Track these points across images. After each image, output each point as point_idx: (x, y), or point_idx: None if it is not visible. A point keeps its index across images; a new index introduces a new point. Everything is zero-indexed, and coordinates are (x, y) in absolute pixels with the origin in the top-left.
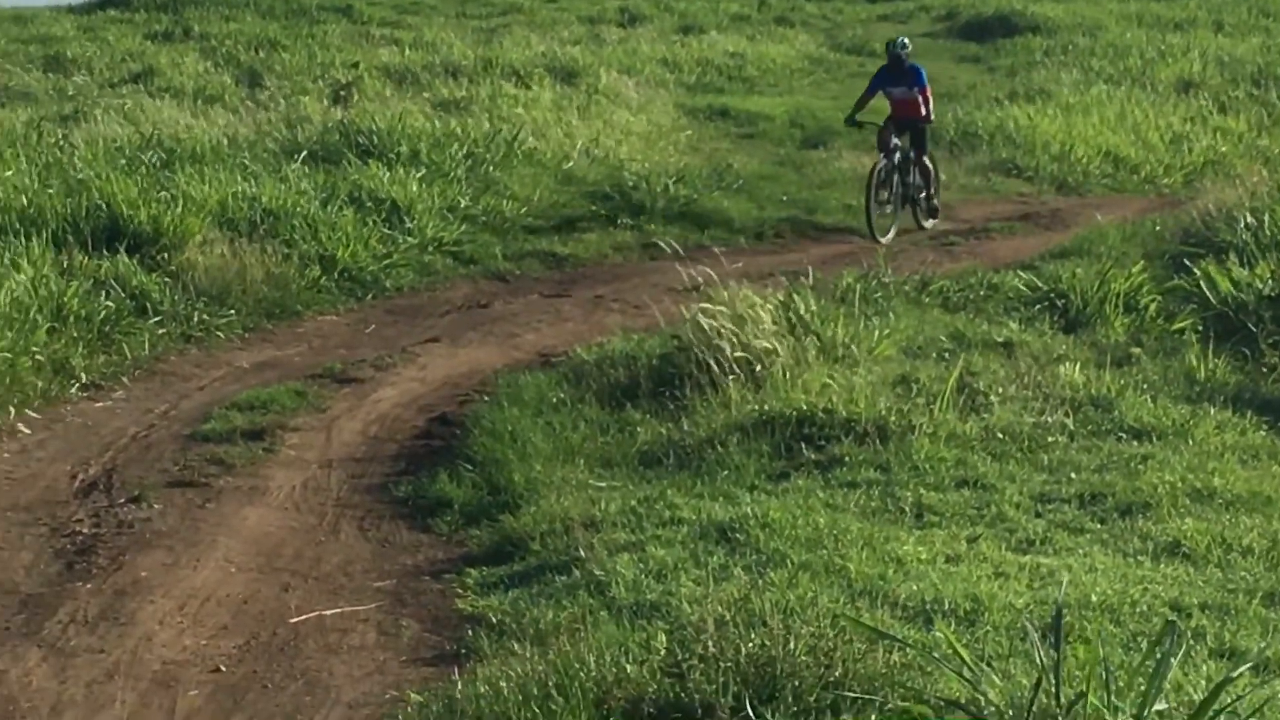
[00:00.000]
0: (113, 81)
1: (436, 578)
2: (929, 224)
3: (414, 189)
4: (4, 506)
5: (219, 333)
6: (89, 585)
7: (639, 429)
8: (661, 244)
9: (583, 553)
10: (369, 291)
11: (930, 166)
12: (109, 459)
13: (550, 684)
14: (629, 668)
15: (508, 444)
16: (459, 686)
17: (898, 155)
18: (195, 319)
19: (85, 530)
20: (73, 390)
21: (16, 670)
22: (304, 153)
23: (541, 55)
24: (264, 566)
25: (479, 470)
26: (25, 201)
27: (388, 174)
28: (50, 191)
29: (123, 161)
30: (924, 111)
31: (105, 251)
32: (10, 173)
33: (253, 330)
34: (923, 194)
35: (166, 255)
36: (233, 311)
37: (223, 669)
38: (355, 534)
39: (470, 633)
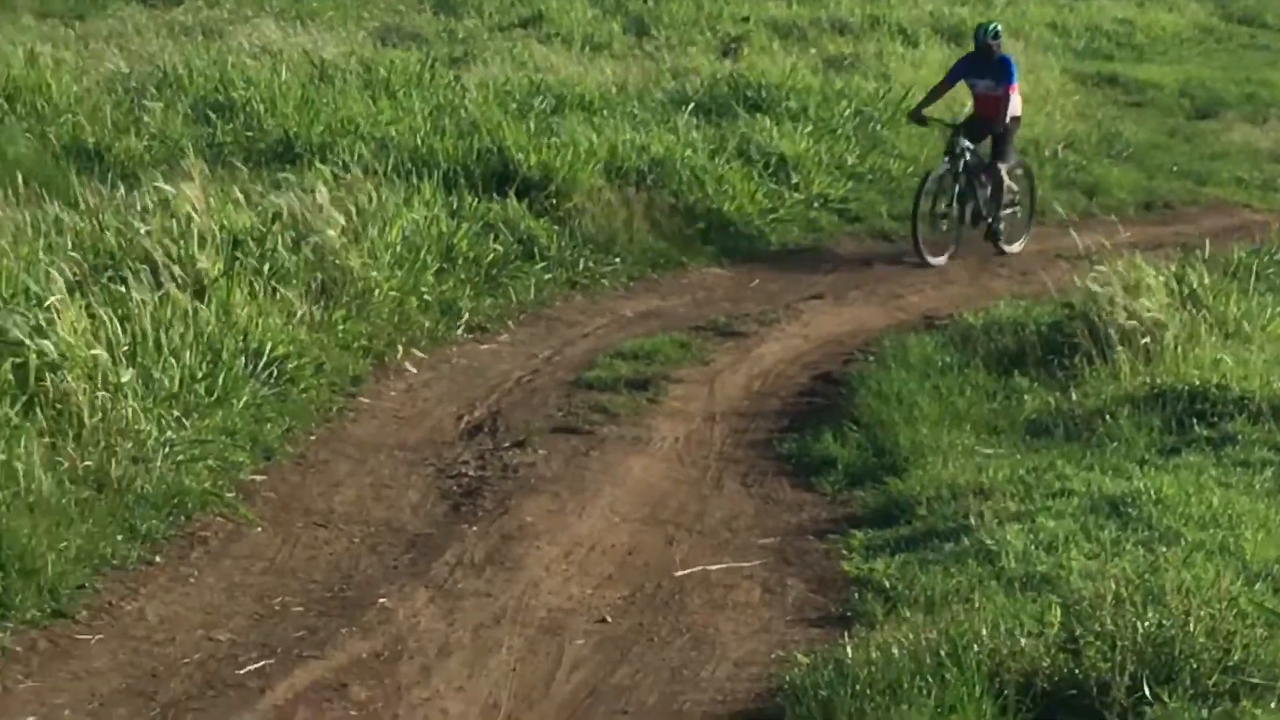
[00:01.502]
0: (502, 25)
1: (820, 537)
2: (1012, 248)
3: (802, 145)
4: (392, 445)
5: (604, 280)
6: (475, 528)
7: (1026, 397)
8: (1059, 209)
9: (971, 520)
10: (754, 246)
11: (1005, 179)
12: (494, 402)
13: (943, 653)
14: (1023, 641)
15: (894, 406)
16: (848, 650)
17: (964, 160)
18: (581, 265)
19: (471, 473)
20: (458, 331)
21: (404, 610)
22: (691, 104)
23: (929, 15)
24: (648, 518)
25: (864, 431)
26: (418, 142)
27: (776, 129)
28: (442, 133)
29: (513, 106)
30: (1004, 112)
31: (495, 195)
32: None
33: (637, 279)
34: (999, 211)
35: (554, 201)
36: (618, 260)
37: (608, 619)
38: (739, 489)
39: (857, 596)
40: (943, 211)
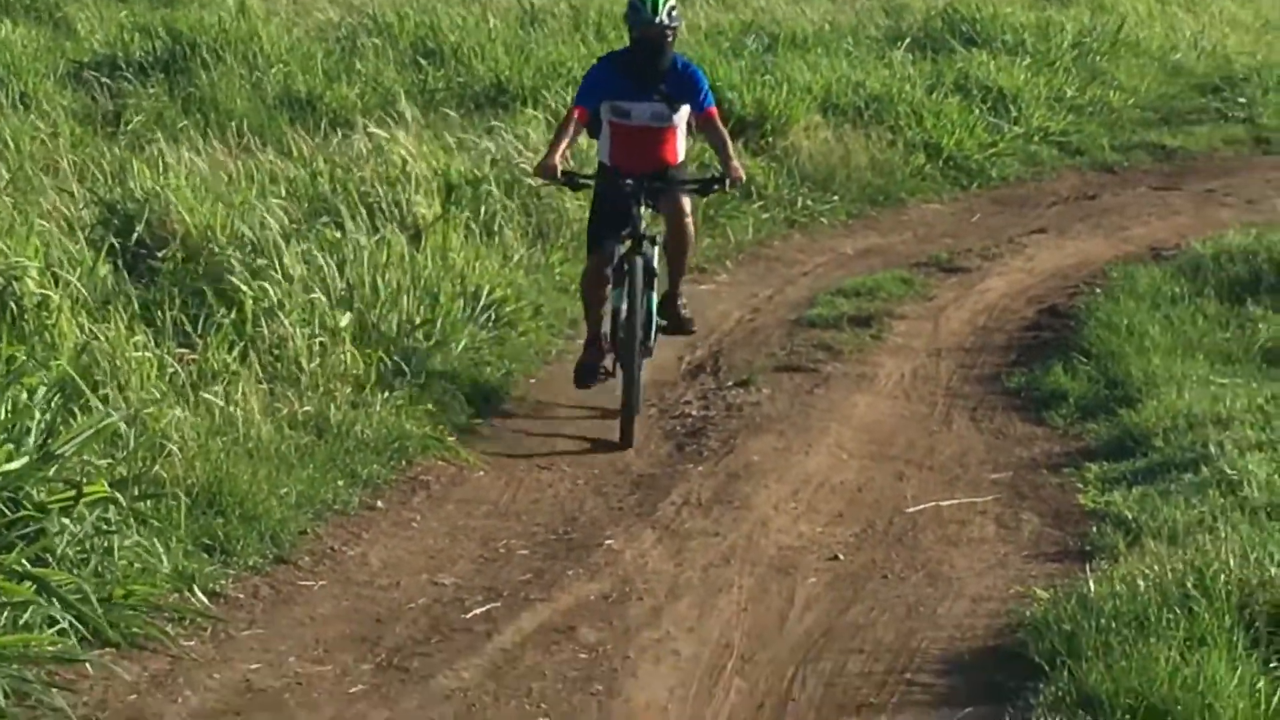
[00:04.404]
0: None
1: (1054, 471)
2: None
3: (1020, 78)
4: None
5: (822, 218)
6: (700, 468)
7: (1260, 325)
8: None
9: (1211, 450)
10: (974, 180)
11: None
12: (715, 342)
13: (1189, 584)
14: (1272, 570)
15: (1124, 337)
16: (1090, 584)
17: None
18: (799, 204)
19: (694, 413)
20: None
21: (632, 550)
22: (907, 39)
23: None
24: (876, 454)
25: (1094, 363)
26: None
27: (993, 62)
28: None
29: (725, 45)
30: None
31: None
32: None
33: (856, 217)
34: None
35: (770, 140)
36: (836, 197)
37: (840, 557)
38: (967, 424)
39: (1095, 529)
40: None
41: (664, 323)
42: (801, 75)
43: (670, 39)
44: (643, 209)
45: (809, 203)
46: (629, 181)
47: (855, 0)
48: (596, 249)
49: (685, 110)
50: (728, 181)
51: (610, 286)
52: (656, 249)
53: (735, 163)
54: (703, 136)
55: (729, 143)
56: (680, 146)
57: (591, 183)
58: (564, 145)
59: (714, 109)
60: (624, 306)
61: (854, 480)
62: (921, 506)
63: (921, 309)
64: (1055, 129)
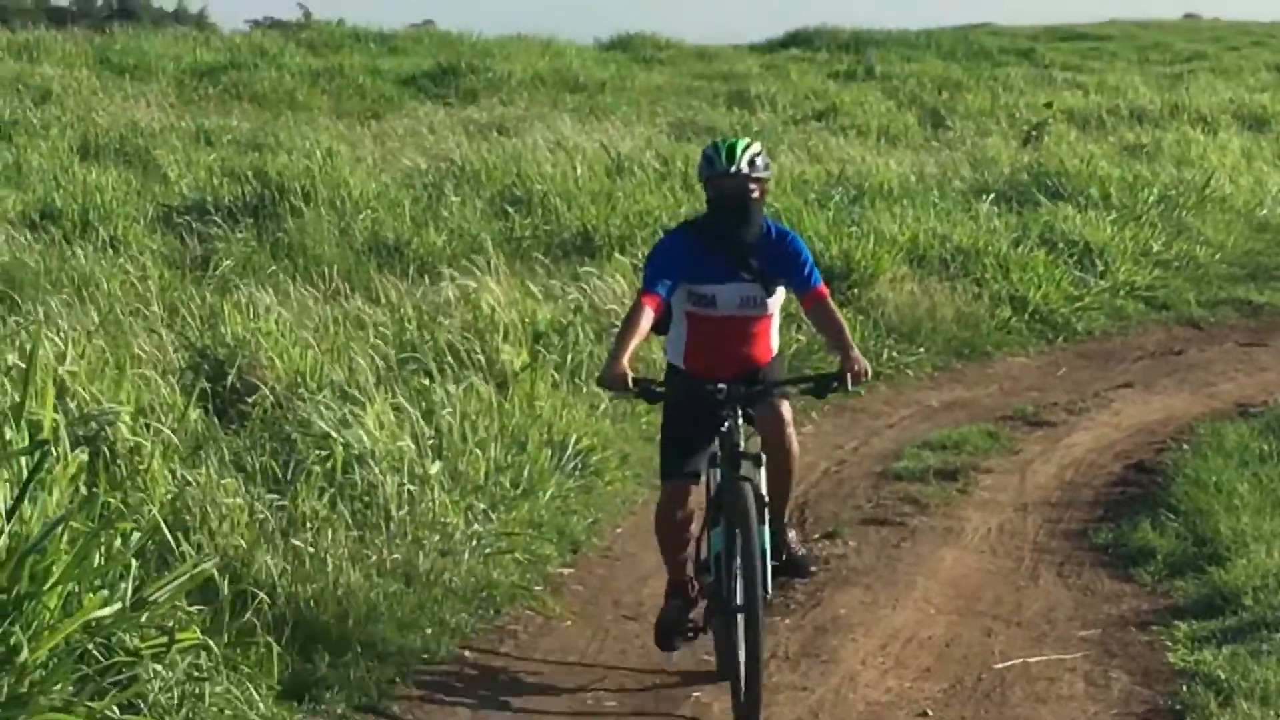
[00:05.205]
0: (796, 119)
1: (1143, 629)
2: None
3: (1106, 232)
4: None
5: (908, 370)
6: (787, 620)
7: None
8: None
9: None
10: (1059, 334)
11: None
12: (802, 493)
13: None
14: None
15: (1212, 494)
16: None
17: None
18: (885, 356)
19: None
20: None
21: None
22: (992, 193)
23: (1229, 101)
24: (964, 609)
25: (1182, 520)
26: None
27: (1079, 216)
28: None
29: (811, 196)
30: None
31: None
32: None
33: (942, 369)
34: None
35: (856, 291)
36: (922, 350)
37: (929, 713)
38: (1055, 580)
39: (1186, 689)
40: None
41: (775, 564)
42: (888, 227)
43: (756, 195)
44: (741, 422)
45: (894, 354)
46: (721, 386)
47: (941, 153)
48: (677, 475)
49: (781, 293)
50: (849, 378)
51: (696, 524)
52: (763, 470)
53: (856, 353)
54: (812, 323)
55: (846, 328)
56: (774, 340)
57: (665, 392)
58: (633, 344)
59: (824, 287)
60: (729, 548)
61: (942, 635)
62: (1010, 663)
63: (1007, 463)
64: (1141, 283)
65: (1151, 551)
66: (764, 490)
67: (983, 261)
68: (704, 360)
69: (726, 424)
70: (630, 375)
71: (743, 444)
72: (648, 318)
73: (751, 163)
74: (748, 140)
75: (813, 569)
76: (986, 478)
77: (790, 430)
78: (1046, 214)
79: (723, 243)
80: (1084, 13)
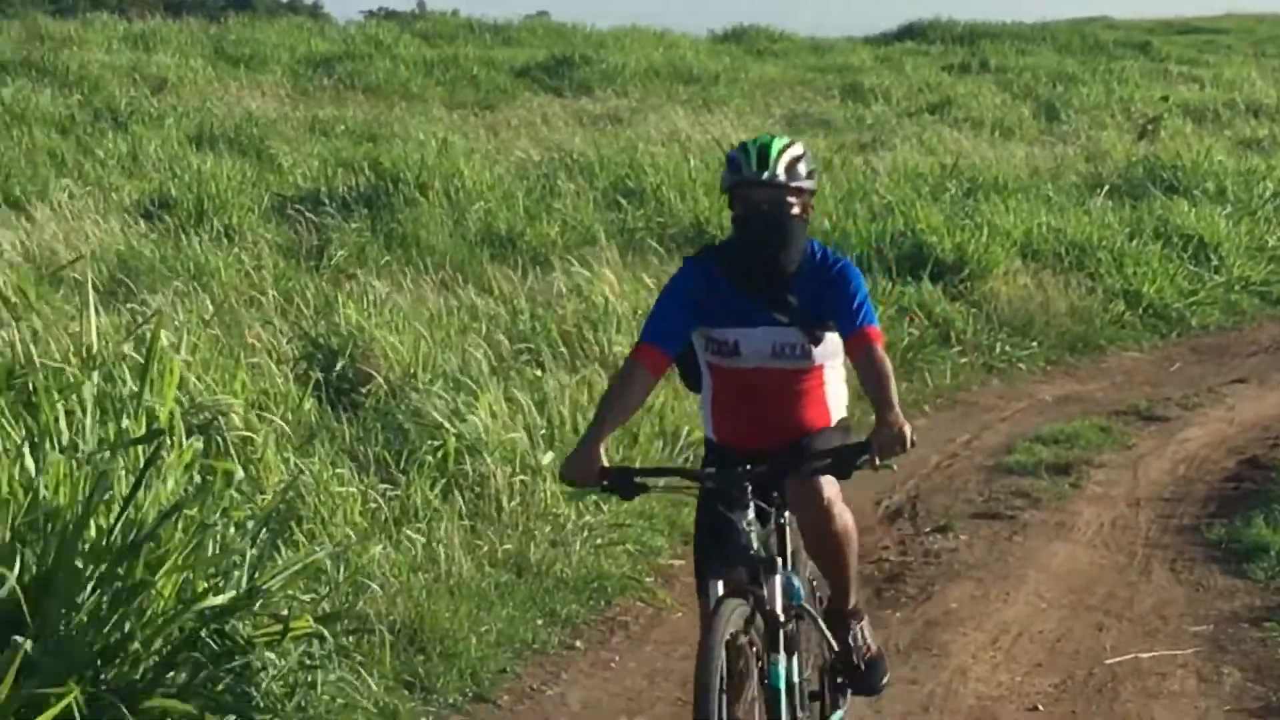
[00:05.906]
0: (910, 111)
1: (1256, 625)
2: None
3: (1221, 226)
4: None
5: (1020, 364)
6: (899, 614)
7: None
8: None
9: None
10: (1173, 329)
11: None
12: (913, 487)
13: None
14: None
15: None
16: None
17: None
18: (998, 349)
19: (892, 558)
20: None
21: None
22: (1106, 187)
23: None
24: (1075, 604)
25: None
26: (830, 225)
27: (1193, 210)
28: (854, 216)
29: (925, 189)
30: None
31: (908, 278)
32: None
33: (1054, 363)
34: None
35: (970, 284)
36: (1035, 344)
37: (1040, 708)
38: (1167, 575)
39: None
40: None
41: (840, 680)
42: (1002, 220)
43: (797, 211)
44: (751, 517)
45: (1007, 349)
46: (734, 471)
47: (1055, 146)
48: (705, 591)
49: (833, 339)
50: (874, 449)
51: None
52: (801, 576)
53: (897, 413)
54: (857, 372)
55: (891, 381)
56: (835, 398)
57: (663, 484)
58: (617, 423)
59: (876, 328)
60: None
61: (1053, 630)
62: (1121, 658)
63: (1120, 458)
64: (1256, 278)
65: (1265, 547)
66: (800, 601)
67: (1096, 255)
68: (731, 427)
69: (739, 522)
70: (600, 461)
71: (758, 547)
72: (642, 383)
73: (790, 169)
74: (786, 140)
75: (883, 681)
76: (1099, 472)
77: (834, 506)
78: (1161, 208)
79: (752, 273)
80: (1200, 6)
